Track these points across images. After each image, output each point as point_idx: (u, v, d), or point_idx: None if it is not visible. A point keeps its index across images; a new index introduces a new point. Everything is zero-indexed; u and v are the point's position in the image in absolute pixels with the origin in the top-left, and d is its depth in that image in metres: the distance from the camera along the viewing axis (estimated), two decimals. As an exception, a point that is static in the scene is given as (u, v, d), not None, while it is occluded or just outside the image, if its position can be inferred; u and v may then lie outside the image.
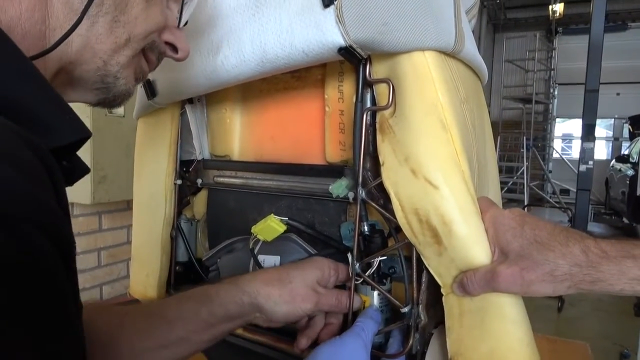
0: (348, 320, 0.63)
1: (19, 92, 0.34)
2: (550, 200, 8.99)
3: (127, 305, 0.64)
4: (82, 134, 0.38)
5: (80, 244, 2.19)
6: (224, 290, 0.61)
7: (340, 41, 0.54)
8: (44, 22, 0.39)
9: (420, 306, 0.58)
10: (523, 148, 8.84)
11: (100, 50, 0.42)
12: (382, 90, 0.59)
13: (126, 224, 2.37)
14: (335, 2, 0.53)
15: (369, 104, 0.61)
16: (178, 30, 0.51)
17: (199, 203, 0.89)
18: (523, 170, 8.65)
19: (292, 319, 0.62)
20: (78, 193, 1.91)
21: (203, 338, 0.60)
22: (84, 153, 1.88)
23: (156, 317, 0.61)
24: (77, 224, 2.16)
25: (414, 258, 0.58)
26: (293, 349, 0.68)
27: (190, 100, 0.81)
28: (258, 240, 0.70)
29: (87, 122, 1.86)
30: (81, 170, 0.42)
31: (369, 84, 0.61)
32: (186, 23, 0.53)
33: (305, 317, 0.64)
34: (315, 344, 0.64)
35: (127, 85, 0.47)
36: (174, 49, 0.51)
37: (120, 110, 1.94)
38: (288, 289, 0.61)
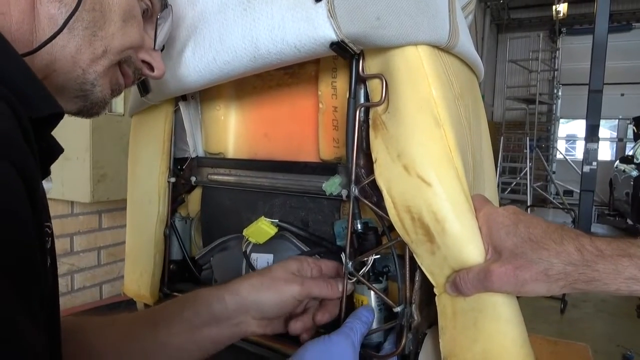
0: (342, 306, 0.62)
1: (2, 67, 0.38)
2: (554, 201, 8.95)
3: (119, 314, 0.64)
4: (56, 109, 0.42)
5: (80, 242, 2.19)
6: (208, 290, 0.61)
7: (332, 36, 0.53)
8: (32, 33, 0.44)
9: (414, 305, 0.57)
10: (526, 149, 8.80)
11: (80, 60, 0.47)
12: (375, 86, 0.58)
13: (126, 222, 2.36)
14: (327, -4, 0.52)
15: (362, 100, 0.60)
16: (154, 52, 0.57)
17: (194, 201, 0.88)
18: (526, 171, 8.62)
19: (282, 307, 0.61)
20: (77, 192, 1.91)
21: (187, 343, 0.59)
22: (84, 152, 1.88)
23: (141, 320, 0.61)
24: (77, 223, 2.16)
25: (407, 257, 0.57)
26: (287, 349, 0.67)
27: (184, 98, 0.81)
28: (250, 242, 0.69)
29: (86, 120, 1.86)
30: (57, 150, 0.45)
31: (362, 80, 0.60)
32: (163, 48, 0.60)
33: (300, 306, 0.63)
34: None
35: (103, 93, 0.51)
36: (151, 68, 0.57)
37: (119, 109, 1.94)
38: (268, 277, 0.61)
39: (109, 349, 0.57)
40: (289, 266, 0.62)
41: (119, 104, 1.92)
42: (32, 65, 0.43)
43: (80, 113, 0.52)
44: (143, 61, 0.56)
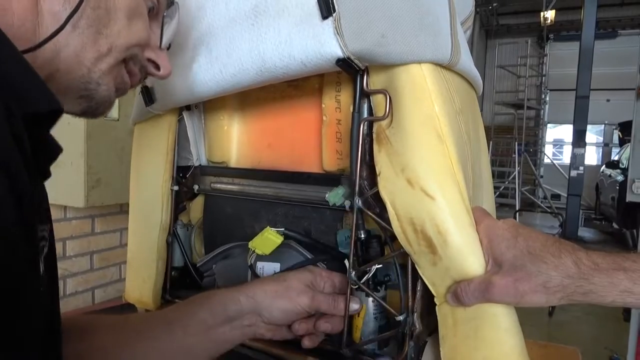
0: (345, 323, 0.63)
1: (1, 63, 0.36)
2: (542, 205, 9.06)
3: (131, 313, 0.65)
4: (54, 106, 0.40)
5: (73, 247, 2.18)
6: (223, 291, 0.63)
7: (339, 53, 0.55)
8: (35, 31, 0.43)
9: (415, 314, 0.59)
10: (515, 153, 8.91)
11: (85, 59, 0.47)
12: (379, 101, 0.60)
13: (119, 227, 2.35)
14: (334, 14, 0.54)
15: (366, 114, 0.62)
16: (160, 50, 0.56)
17: (196, 209, 0.89)
18: (515, 175, 8.72)
19: (292, 316, 0.63)
20: (71, 196, 1.90)
21: (203, 342, 0.60)
22: (78, 157, 1.87)
23: (156, 320, 0.62)
24: (70, 227, 2.14)
25: (409, 267, 0.59)
26: (290, 354, 0.68)
27: (187, 107, 0.82)
28: (256, 254, 0.70)
29: (81, 126, 1.85)
30: (56, 149, 0.44)
31: (366, 95, 0.61)
32: (169, 47, 0.59)
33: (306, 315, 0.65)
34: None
35: (109, 92, 0.50)
36: (157, 67, 0.56)
37: (114, 114, 1.94)
38: (283, 285, 0.63)
39: (122, 349, 0.57)
40: (303, 277, 0.64)
41: (113, 109, 1.91)
42: (35, 63, 0.42)
43: (85, 114, 0.51)
44: (149, 60, 0.55)
